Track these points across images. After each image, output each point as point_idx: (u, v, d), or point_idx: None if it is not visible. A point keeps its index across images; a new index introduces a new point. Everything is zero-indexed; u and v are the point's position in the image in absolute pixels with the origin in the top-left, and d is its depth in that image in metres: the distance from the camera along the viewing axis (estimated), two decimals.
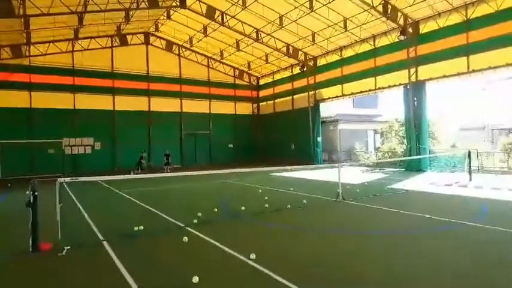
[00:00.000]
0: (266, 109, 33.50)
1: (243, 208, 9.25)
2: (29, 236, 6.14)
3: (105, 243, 6.53)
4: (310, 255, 5.51)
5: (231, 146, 32.22)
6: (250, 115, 34.25)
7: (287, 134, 29.79)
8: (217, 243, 6.20)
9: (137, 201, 11.17)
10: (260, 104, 34.31)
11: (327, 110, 28.36)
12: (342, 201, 10.03)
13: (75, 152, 24.82)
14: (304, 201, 9.98)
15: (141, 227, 7.39)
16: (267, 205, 9.52)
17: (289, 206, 9.29)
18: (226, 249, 5.86)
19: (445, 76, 18.51)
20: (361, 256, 5.43)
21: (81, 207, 9.92)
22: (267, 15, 21.50)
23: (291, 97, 29.94)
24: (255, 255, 5.27)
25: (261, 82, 34.00)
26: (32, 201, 6.27)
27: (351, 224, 7.52)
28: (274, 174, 19.65)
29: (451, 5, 17.27)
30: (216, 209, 9.28)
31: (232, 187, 14.75)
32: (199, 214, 8.52)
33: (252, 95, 34.27)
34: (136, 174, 22.86)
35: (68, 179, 6.56)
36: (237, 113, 33.29)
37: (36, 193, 6.28)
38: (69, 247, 6.13)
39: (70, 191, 13.10)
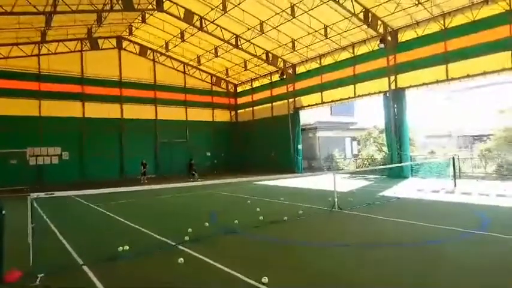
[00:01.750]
0: (245, 116, 32.95)
1: (236, 221, 8.54)
2: None
3: (85, 267, 5.64)
4: (329, 275, 4.93)
5: (208, 154, 31.30)
6: (229, 122, 33.56)
7: (267, 141, 29.32)
8: (218, 265, 5.48)
9: (117, 217, 10.13)
10: (238, 111, 33.72)
11: (305, 118, 28.25)
12: (339, 210, 9.57)
13: (41, 163, 22.97)
14: (300, 211, 9.43)
15: (126, 247, 6.52)
16: (261, 217, 8.87)
17: (286, 218, 8.69)
18: (230, 271, 5.16)
19: (424, 84, 18.81)
20: (388, 273, 4.91)
21: (53, 227, 8.75)
22: (247, 21, 21.08)
23: (270, 104, 29.59)
24: (267, 279, 4.62)
25: (239, 89, 33.48)
26: None
27: (358, 237, 7.02)
28: (257, 183, 19.02)
29: (431, 14, 17.61)
30: (207, 223, 8.53)
31: (218, 198, 13.98)
32: (190, 230, 7.73)
33: (229, 102, 33.64)
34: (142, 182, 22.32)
35: (42, 194, 5.61)
36: (215, 120, 32.49)
37: (3, 212, 5.32)
38: (43, 274, 5.21)
39: (39, 208, 11.79)
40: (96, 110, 25.52)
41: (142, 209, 12.03)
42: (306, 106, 26.12)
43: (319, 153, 28.35)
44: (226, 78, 32.29)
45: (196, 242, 6.95)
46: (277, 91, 28.80)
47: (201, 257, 5.94)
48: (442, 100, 40.17)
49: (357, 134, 30.25)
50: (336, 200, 9.74)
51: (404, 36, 19.66)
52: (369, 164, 23.43)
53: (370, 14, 18.57)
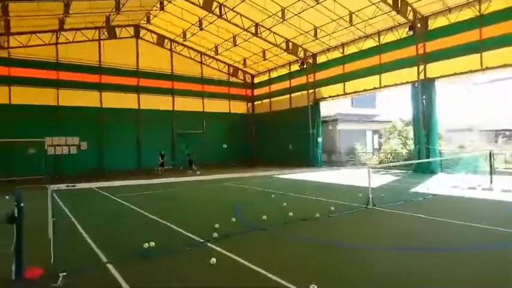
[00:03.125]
0: (261, 108, 32.26)
1: (264, 217, 7.98)
2: (11, 260, 4.74)
3: (110, 266, 5.18)
4: (386, 284, 4.32)
5: (225, 146, 30.82)
6: (245, 114, 32.95)
7: (284, 134, 28.61)
8: (255, 267, 4.93)
9: (139, 209, 9.72)
10: (255, 102, 33.05)
11: (325, 110, 27.35)
12: (374, 208, 8.90)
13: (59, 153, 22.92)
14: (332, 208, 8.79)
15: (152, 244, 6.04)
16: (291, 213, 8.28)
17: (317, 215, 8.08)
18: (272, 276, 4.59)
19: (456, 74, 17.75)
20: (460, 281, 4.27)
21: (75, 221, 8.35)
22: (268, 7, 20.28)
23: (288, 96, 28.80)
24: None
25: (256, 80, 32.75)
26: (16, 214, 4.87)
27: (405, 238, 6.34)
28: (278, 176, 18.42)
29: None
30: (233, 219, 8.00)
31: (239, 191, 13.46)
32: (217, 225, 7.22)
33: (246, 94, 32.98)
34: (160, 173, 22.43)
35: (63, 186, 5.15)
36: (231, 111, 31.94)
37: (21, 205, 4.88)
38: (65, 273, 4.77)
39: (59, 199, 11.50)
40: (113, 100, 25.28)
41: (163, 201, 11.61)
42: (327, 97, 25.24)
43: (339, 147, 27.49)
44: (244, 69, 31.59)
45: (226, 239, 6.42)
46: (296, 82, 27.97)
47: (234, 257, 5.41)
48: (461, 92, 38.46)
49: (379, 126, 29.22)
50: (370, 196, 9.06)
51: (435, 23, 18.55)
52: (393, 158, 22.51)
53: (399, 0, 17.54)
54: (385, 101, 31.61)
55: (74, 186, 5.27)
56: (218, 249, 5.85)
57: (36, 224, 5.50)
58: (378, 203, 9.24)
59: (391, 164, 14.53)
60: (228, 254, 5.57)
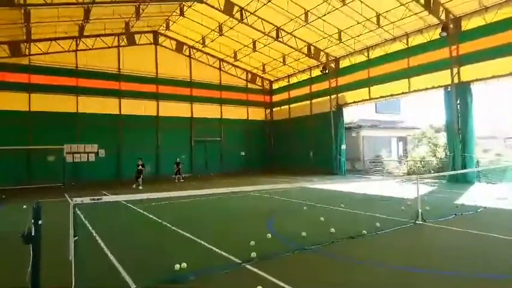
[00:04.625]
0: (280, 115, 31.48)
1: (303, 234, 7.12)
2: (28, 283, 4.06)
3: None
4: None
5: (243, 153, 30.11)
6: (263, 121, 32.24)
7: (305, 141, 27.70)
8: None
9: (165, 223, 8.93)
10: (273, 109, 32.32)
11: (347, 116, 26.36)
12: (424, 223, 7.94)
13: (77, 160, 22.63)
14: (377, 223, 7.86)
15: (184, 265, 5.29)
16: (332, 229, 7.39)
17: (364, 232, 7.17)
18: None
19: (494, 77, 16.60)
20: None
21: (96, 236, 7.57)
22: (291, 10, 19.62)
23: (309, 101, 27.95)
24: None
25: (275, 86, 32.07)
26: (33, 233, 4.19)
27: (468, 261, 5.42)
28: (301, 185, 17.51)
29: None
30: (269, 235, 7.16)
31: (266, 202, 12.57)
32: (252, 243, 6.42)
33: (264, 100, 32.29)
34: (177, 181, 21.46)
35: (87, 200, 4.45)
36: (249, 118, 31.28)
37: (39, 222, 4.21)
38: None
39: (79, 211, 10.86)
40: (132, 107, 24.99)
41: (187, 212, 10.85)
42: (351, 103, 24.28)
43: (362, 154, 26.39)
44: (262, 75, 30.97)
45: (267, 260, 5.60)
46: (317, 87, 27.13)
47: (283, 285, 4.58)
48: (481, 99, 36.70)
49: (405, 133, 28.00)
50: (419, 210, 8.09)
51: (469, 24, 17.49)
52: (423, 167, 21.30)
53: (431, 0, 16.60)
54: (410, 106, 30.35)
55: (99, 199, 4.57)
56: (260, 273, 5.04)
57: (55, 241, 4.83)
58: (426, 217, 8.26)
59: (436, 174, 13.16)
60: (273, 280, 4.74)
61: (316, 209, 10.46)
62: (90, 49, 23.33)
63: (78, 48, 22.98)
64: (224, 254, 6.03)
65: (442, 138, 21.95)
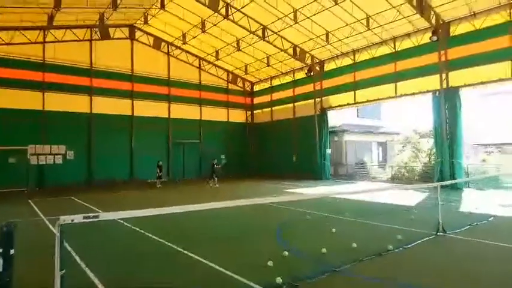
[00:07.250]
0: (262, 117, 30.65)
1: (323, 251, 6.22)
2: None
3: None
4: None
5: (223, 157, 28.89)
6: (244, 123, 31.25)
7: (288, 145, 27.00)
8: None
9: (163, 241, 7.36)
10: (255, 111, 31.43)
11: (330, 120, 25.91)
12: (445, 235, 7.30)
13: (43, 162, 20.55)
14: (399, 236, 7.11)
15: None
16: (354, 244, 6.54)
17: (391, 247, 6.38)
18: None
19: (483, 82, 16.65)
20: None
21: (84, 265, 5.68)
22: (280, 8, 18.86)
23: (292, 104, 27.32)
24: None
25: (256, 88, 31.22)
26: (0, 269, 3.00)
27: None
28: (293, 190, 16.67)
29: (499, 2, 15.45)
30: (286, 252, 6.17)
31: (264, 211, 10.85)
32: (270, 263, 5.45)
33: (245, 102, 31.35)
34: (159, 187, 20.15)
35: (79, 218, 3.29)
36: (229, 120, 30.19)
37: (11, 251, 3.03)
38: None
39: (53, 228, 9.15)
40: (105, 106, 23.13)
41: (185, 224, 8.96)
42: (336, 106, 23.88)
43: (346, 159, 26.06)
44: (244, 76, 30.05)
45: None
46: (300, 90, 26.56)
47: None
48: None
49: (384, 138, 28.04)
50: (440, 222, 7.45)
51: (458, 29, 17.51)
52: (407, 172, 21.18)
53: (423, 2, 16.41)
54: (391, 112, 30.51)
55: (95, 217, 3.42)
56: None
57: (34, 275, 3.60)
58: (446, 228, 7.62)
59: (445, 182, 12.57)
60: None
61: (320, 219, 9.62)
62: (59, 41, 21.35)
63: (46, 40, 20.96)
64: (241, 279, 4.98)
65: (426, 144, 22.00)
